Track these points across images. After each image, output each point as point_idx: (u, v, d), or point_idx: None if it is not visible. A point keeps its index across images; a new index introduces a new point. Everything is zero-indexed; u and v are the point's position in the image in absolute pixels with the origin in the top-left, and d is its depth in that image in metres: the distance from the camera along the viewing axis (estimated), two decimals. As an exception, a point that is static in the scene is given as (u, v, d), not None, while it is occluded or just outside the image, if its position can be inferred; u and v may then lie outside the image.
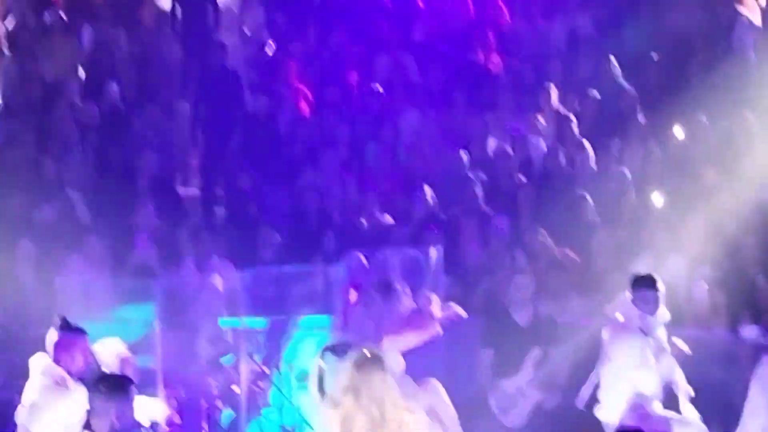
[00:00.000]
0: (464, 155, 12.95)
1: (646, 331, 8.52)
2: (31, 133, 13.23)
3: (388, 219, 12.47)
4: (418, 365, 9.10)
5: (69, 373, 7.05)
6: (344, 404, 6.07)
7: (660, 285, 8.64)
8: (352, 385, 6.09)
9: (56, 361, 7.08)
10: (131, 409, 5.99)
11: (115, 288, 10.62)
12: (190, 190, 13.02)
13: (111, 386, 6.00)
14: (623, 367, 8.45)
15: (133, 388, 6.03)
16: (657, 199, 12.00)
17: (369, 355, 6.15)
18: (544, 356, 9.94)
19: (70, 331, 7.16)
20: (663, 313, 8.62)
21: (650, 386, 8.47)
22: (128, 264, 11.45)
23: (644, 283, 8.60)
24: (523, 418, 9.92)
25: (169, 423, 9.05)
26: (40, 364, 7.14)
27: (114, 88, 13.75)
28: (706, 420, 8.95)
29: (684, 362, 9.50)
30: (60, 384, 7.01)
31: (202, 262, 11.29)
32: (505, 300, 10.49)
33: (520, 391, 9.91)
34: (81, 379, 7.01)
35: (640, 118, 12.97)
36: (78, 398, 6.63)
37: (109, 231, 11.74)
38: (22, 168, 12.82)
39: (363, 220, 12.55)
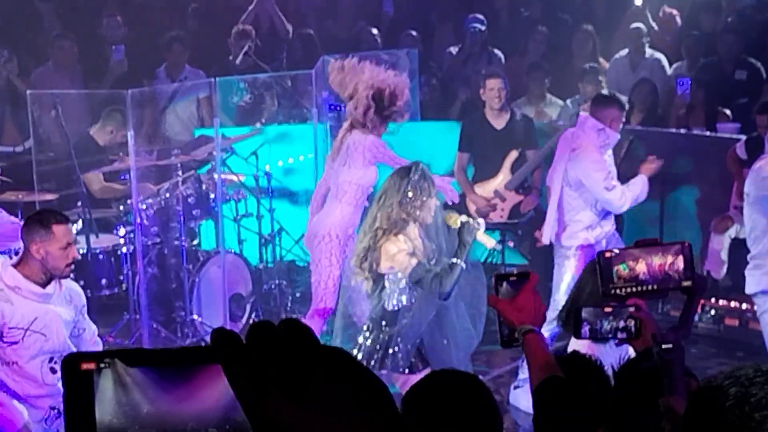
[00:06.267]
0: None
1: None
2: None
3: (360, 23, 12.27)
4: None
5: None
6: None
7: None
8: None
9: None
10: None
11: (88, 99, 10.52)
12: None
13: None
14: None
15: None
16: None
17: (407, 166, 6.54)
18: (521, 158, 9.93)
19: None
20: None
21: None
22: (100, 75, 11.32)
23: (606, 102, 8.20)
24: (504, 218, 9.98)
25: (144, 226, 9.08)
26: None
27: None
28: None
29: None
30: None
31: (174, 71, 11.15)
32: (481, 104, 10.45)
33: (498, 193, 9.93)
34: None
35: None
36: None
37: (80, 41, 11.57)
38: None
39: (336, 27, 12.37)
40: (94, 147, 9.81)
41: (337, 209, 7.96)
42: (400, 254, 6.42)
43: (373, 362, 6.51)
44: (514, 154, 9.91)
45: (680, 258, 3.33)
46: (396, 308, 6.55)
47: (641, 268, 3.35)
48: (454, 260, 6.38)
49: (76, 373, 1.32)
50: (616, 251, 3.47)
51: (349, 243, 8.05)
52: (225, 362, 1.30)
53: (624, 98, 8.70)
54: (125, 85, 9.44)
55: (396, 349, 6.54)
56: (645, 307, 3.49)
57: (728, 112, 10.41)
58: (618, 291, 3.39)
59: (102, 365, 1.33)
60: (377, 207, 6.52)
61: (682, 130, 10.39)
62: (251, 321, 9.40)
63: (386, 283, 6.54)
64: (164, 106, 10.73)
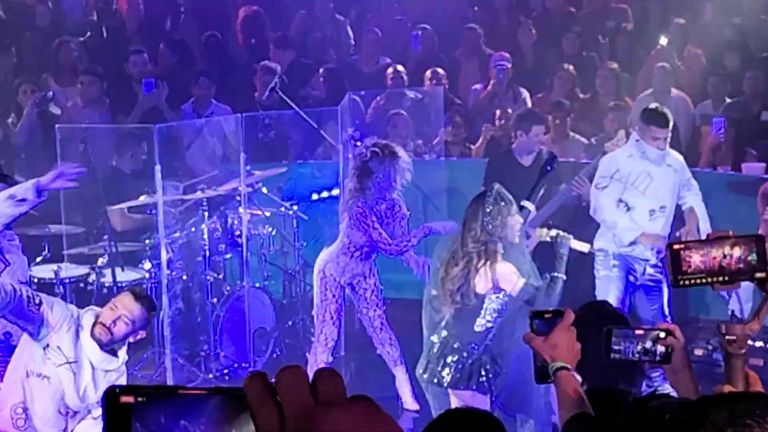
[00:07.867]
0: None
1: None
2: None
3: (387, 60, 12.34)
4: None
5: None
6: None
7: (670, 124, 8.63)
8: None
9: None
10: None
11: (116, 133, 10.59)
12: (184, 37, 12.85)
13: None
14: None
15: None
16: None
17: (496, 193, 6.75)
18: (546, 194, 9.92)
19: None
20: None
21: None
22: (128, 109, 11.40)
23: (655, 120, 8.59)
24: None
25: (170, 260, 9.11)
26: None
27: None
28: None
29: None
30: None
31: (201, 106, 11.22)
32: (507, 141, 10.47)
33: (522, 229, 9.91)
34: None
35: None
36: None
37: (108, 76, 11.66)
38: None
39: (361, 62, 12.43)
40: (122, 180, 9.87)
41: (334, 250, 8.45)
42: (513, 275, 6.68)
43: (460, 381, 6.77)
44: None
45: (753, 250, 3.37)
46: (484, 328, 6.79)
47: (712, 259, 3.38)
48: (555, 274, 6.68)
49: (116, 406, 1.36)
50: (686, 243, 3.51)
51: (358, 288, 8.50)
52: (252, 402, 1.34)
53: None
54: (152, 120, 9.51)
55: (484, 369, 6.78)
56: (679, 333, 3.51)
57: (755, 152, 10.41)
58: (687, 282, 3.41)
59: (140, 399, 1.37)
60: (465, 232, 6.78)
61: (707, 169, 10.39)
62: (274, 355, 9.45)
63: (485, 304, 6.75)
64: (191, 141, 10.79)
